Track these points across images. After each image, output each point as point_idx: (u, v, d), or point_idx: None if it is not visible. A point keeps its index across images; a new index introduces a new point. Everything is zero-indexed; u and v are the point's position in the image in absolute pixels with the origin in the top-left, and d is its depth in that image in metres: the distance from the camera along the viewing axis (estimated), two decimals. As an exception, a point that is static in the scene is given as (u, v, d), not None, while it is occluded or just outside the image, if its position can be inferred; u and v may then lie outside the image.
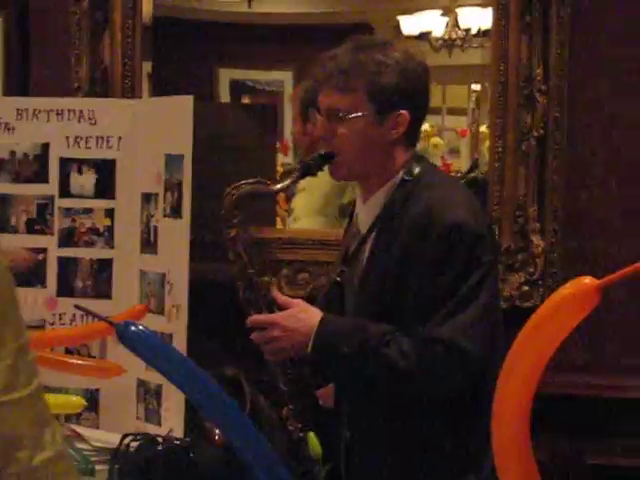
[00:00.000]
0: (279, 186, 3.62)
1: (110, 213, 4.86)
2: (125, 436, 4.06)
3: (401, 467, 3.28)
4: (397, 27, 5.51)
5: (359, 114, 3.44)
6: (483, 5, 5.04)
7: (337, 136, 3.48)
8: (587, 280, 1.92)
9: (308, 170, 3.53)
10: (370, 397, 3.38)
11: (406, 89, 3.47)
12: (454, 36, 5.77)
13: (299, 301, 3.50)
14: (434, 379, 3.22)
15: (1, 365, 2.50)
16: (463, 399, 3.17)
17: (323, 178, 5.34)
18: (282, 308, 3.49)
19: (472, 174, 5.91)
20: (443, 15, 5.44)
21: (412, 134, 3.55)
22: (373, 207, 3.54)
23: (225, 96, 6.13)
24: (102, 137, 4.75)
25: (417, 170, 3.52)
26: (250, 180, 3.72)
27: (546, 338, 1.96)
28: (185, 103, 4.58)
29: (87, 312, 3.03)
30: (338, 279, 3.65)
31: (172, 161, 4.56)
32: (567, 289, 1.96)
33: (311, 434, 2.36)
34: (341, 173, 3.63)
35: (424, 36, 5.46)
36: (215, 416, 2.39)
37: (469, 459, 3.12)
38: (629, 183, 4.76)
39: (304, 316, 3.40)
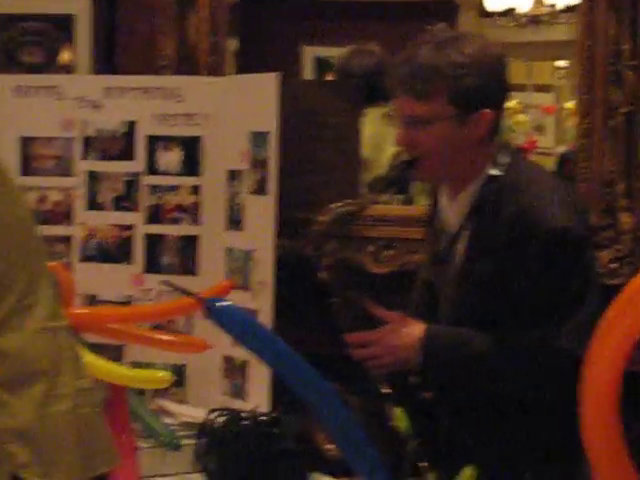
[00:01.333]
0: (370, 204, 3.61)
1: (195, 190, 4.91)
2: (211, 411, 4.10)
3: (502, 458, 3.28)
4: (480, 4, 5.49)
5: (441, 120, 3.40)
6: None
7: (420, 142, 3.43)
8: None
9: (396, 184, 3.53)
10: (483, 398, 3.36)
11: (486, 88, 3.42)
12: (540, 12, 5.74)
13: (398, 315, 3.43)
14: (549, 384, 3.22)
15: (47, 293, 2.73)
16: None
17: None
18: (379, 322, 3.45)
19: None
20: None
21: (495, 129, 3.51)
22: (461, 205, 3.50)
23: (309, 74, 6.13)
24: (188, 114, 4.79)
25: (504, 160, 3.49)
26: (339, 204, 3.72)
27: (636, 315, 1.94)
28: (271, 80, 4.60)
29: (176, 288, 3.05)
30: (430, 279, 3.61)
31: (258, 138, 4.58)
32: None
33: (398, 409, 2.36)
34: (427, 176, 3.65)
35: (509, 12, 5.43)
36: (303, 392, 2.41)
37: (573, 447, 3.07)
38: None
39: (405, 331, 3.35)
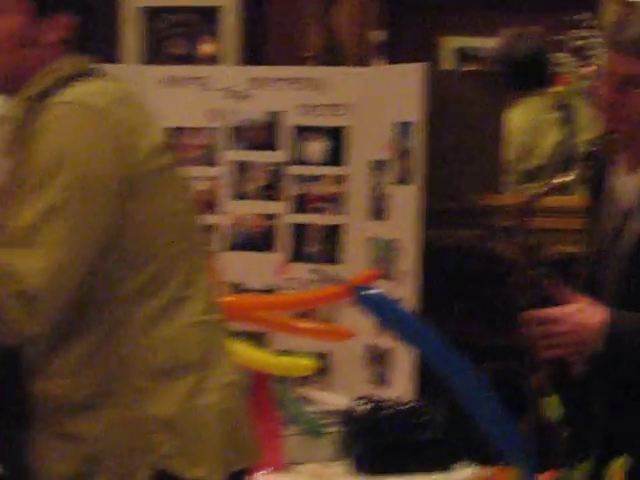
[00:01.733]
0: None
1: (339, 180, 4.92)
2: (356, 399, 4.13)
3: None
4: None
5: None
6: None
7: (629, 105, 3.24)
8: None
9: (596, 157, 3.48)
10: None
11: None
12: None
13: (582, 296, 3.20)
14: None
15: (203, 287, 2.85)
16: None
17: (519, 137, 5.35)
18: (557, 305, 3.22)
19: None
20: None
21: None
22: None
23: (449, 64, 6.14)
24: (333, 105, 4.80)
25: None
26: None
27: None
28: (417, 71, 4.60)
29: (326, 276, 3.10)
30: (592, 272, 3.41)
31: (402, 128, 4.59)
32: None
33: (553, 397, 2.35)
34: (622, 144, 3.38)
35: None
36: (451, 379, 2.42)
37: None
38: None
39: (592, 311, 3.15)
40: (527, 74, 5.06)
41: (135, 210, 2.69)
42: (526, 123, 5.16)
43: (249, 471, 2.97)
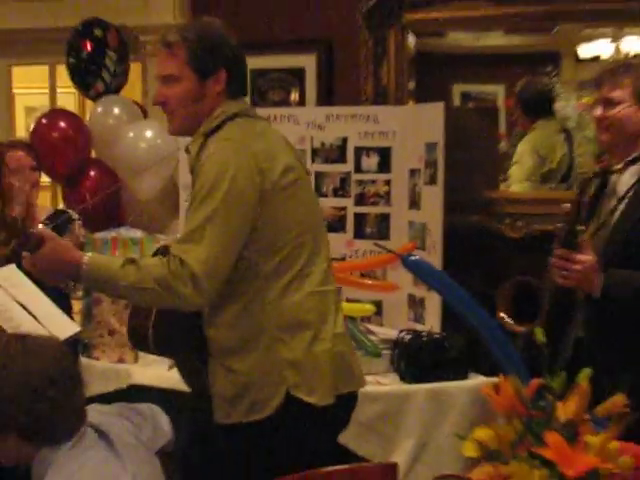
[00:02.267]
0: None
1: (388, 183, 4.95)
2: (401, 331, 4.13)
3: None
4: (576, 53, 5.40)
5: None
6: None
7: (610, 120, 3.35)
8: None
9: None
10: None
11: None
12: (618, 58, 5.60)
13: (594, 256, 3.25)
14: None
15: (322, 266, 2.93)
16: None
17: (531, 154, 5.30)
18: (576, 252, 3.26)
19: None
20: (612, 42, 5.28)
21: None
22: (632, 174, 3.35)
23: (457, 103, 6.13)
24: (383, 132, 4.85)
25: None
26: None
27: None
28: (439, 108, 4.60)
29: (383, 247, 3.09)
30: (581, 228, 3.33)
31: (429, 147, 4.60)
32: None
33: (538, 329, 2.32)
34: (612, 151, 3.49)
35: (596, 59, 5.32)
36: (468, 316, 2.40)
37: None
38: None
39: (596, 266, 3.20)
40: (540, 107, 4.99)
41: (270, 214, 2.80)
42: (542, 141, 5.12)
43: (355, 395, 3.05)
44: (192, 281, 2.66)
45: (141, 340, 2.98)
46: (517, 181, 5.31)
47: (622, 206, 3.35)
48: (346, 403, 2.98)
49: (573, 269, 3.24)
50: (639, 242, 3.26)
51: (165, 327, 2.90)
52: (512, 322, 3.16)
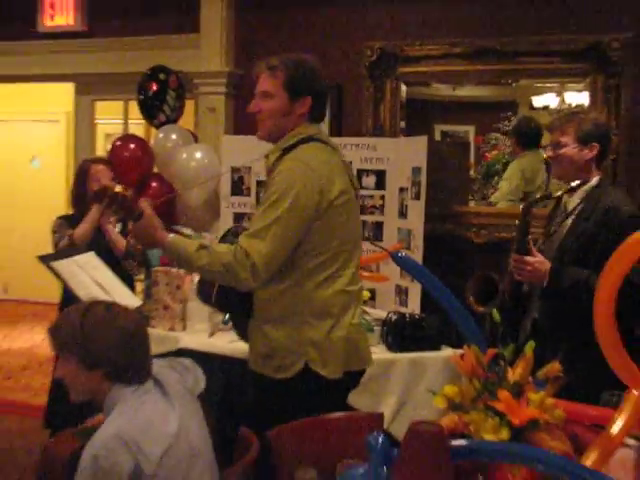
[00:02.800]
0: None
1: (382, 197, 4.93)
2: (389, 313, 4.12)
3: (571, 343, 3.16)
4: (530, 103, 5.40)
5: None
6: (579, 90, 4.90)
7: (560, 159, 3.44)
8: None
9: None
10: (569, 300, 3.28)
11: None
12: (562, 107, 5.59)
13: (543, 258, 3.35)
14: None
15: (351, 270, 2.95)
16: None
17: (518, 175, 5.26)
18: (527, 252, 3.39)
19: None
20: (557, 96, 5.28)
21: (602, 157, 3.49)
22: (577, 197, 3.42)
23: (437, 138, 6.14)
24: (379, 158, 4.83)
25: (601, 179, 3.44)
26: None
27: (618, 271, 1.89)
28: (423, 140, 4.60)
29: (378, 246, 3.10)
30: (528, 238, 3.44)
31: (415, 170, 4.60)
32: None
33: (494, 311, 2.33)
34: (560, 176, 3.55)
35: (545, 108, 5.33)
36: (442, 301, 2.39)
37: None
38: None
39: (543, 267, 3.28)
40: (531, 139, 4.98)
41: (321, 226, 2.82)
42: (528, 166, 5.10)
43: (362, 372, 3.08)
44: (252, 270, 2.71)
45: (207, 298, 3.07)
46: (501, 198, 5.30)
47: (569, 220, 3.41)
48: (353, 378, 3.01)
49: (525, 269, 3.34)
50: (581, 248, 3.29)
51: (224, 292, 2.95)
52: (476, 304, 3.18)
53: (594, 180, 3.42)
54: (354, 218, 3.02)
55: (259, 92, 2.95)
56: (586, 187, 3.41)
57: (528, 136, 5.29)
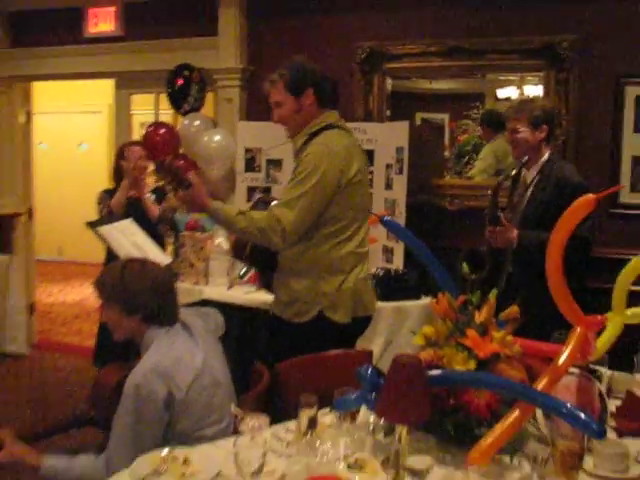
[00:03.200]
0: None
1: (371, 172, 4.77)
2: (377, 269, 4.13)
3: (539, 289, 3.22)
4: (495, 95, 5.36)
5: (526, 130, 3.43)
6: (536, 84, 4.86)
7: (518, 140, 3.46)
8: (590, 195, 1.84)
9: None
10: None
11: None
12: (522, 99, 5.53)
13: (511, 226, 3.39)
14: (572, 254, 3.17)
15: (361, 235, 2.99)
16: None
17: (491, 155, 5.17)
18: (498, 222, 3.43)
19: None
20: (517, 89, 5.24)
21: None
22: (533, 172, 3.46)
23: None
24: (369, 139, 4.72)
25: (551, 154, 3.48)
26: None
27: (566, 228, 1.89)
28: (405, 125, 4.57)
29: (369, 213, 3.10)
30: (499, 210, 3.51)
31: (399, 150, 4.56)
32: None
33: (465, 263, 2.34)
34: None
35: (507, 99, 5.29)
36: (421, 256, 2.39)
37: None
38: None
39: (512, 234, 3.34)
40: (499, 125, 4.94)
41: (340, 199, 2.87)
42: (499, 148, 5.02)
43: (369, 317, 3.14)
44: (282, 233, 2.79)
45: (239, 255, 3.17)
46: (478, 173, 5.25)
47: (529, 191, 3.46)
48: (360, 323, 3.06)
49: (497, 238, 3.39)
50: (540, 214, 3.32)
51: (255, 252, 3.02)
52: (468, 274, 3.20)
53: (545, 155, 3.45)
54: (366, 192, 3.09)
55: (273, 104, 3.01)
56: (540, 162, 3.43)
57: (495, 124, 5.26)
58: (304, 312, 2.92)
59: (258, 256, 3.05)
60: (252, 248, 3.02)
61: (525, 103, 3.61)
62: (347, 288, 2.92)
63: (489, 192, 3.52)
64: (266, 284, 3.33)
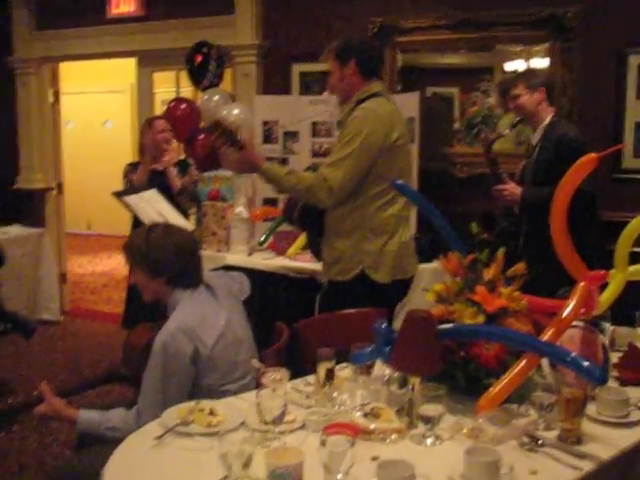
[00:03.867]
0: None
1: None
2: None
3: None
4: (503, 68, 5.30)
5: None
6: (542, 57, 4.80)
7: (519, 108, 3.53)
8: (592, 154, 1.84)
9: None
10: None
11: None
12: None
13: (514, 184, 3.49)
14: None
15: (403, 199, 2.97)
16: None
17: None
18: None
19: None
20: (524, 62, 5.17)
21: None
22: (538, 133, 3.49)
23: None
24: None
25: (554, 116, 3.50)
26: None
27: (569, 186, 1.89)
28: (416, 96, 4.55)
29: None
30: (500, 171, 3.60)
31: (410, 120, 4.50)
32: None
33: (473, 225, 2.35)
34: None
35: (515, 72, 5.22)
36: (433, 218, 2.39)
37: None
38: None
39: (516, 191, 3.43)
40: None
41: (383, 161, 2.89)
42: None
43: (409, 279, 3.14)
44: (329, 191, 2.84)
45: (289, 218, 3.26)
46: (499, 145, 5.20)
47: (535, 153, 3.49)
48: (399, 284, 3.07)
49: (503, 194, 3.47)
50: (544, 171, 3.36)
51: (304, 213, 3.08)
52: (478, 232, 3.23)
53: (548, 118, 3.49)
54: (407, 158, 3.12)
55: (329, 72, 3.08)
56: (543, 124, 3.48)
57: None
58: (347, 270, 2.97)
59: (306, 218, 3.12)
60: (301, 210, 3.08)
61: (521, 73, 3.71)
62: (389, 250, 2.96)
63: (482, 150, 3.70)
64: (315, 253, 3.36)
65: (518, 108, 3.56)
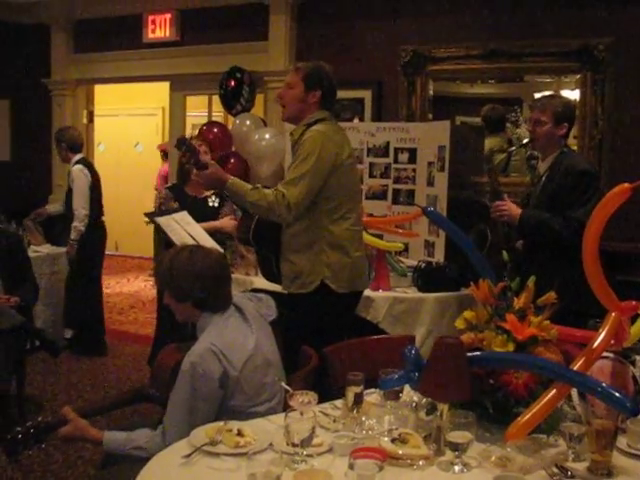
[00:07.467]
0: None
1: (414, 170, 4.90)
2: (419, 261, 4.14)
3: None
4: (533, 98, 5.31)
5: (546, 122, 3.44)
6: (572, 89, 4.83)
7: (537, 133, 3.48)
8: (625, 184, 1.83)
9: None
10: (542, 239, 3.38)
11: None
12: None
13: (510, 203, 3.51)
14: (568, 235, 3.20)
15: (356, 214, 3.09)
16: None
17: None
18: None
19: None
20: (554, 92, 5.19)
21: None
22: (546, 163, 3.49)
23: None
24: (411, 138, 4.81)
25: (564, 147, 3.48)
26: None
27: (604, 211, 1.88)
28: (446, 124, 4.57)
29: (416, 205, 3.16)
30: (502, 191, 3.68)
31: (441, 148, 4.56)
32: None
33: (505, 252, 2.35)
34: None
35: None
36: (462, 245, 2.40)
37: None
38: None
39: (514, 210, 3.45)
40: (495, 125, 4.91)
41: (335, 179, 3.03)
42: (488, 147, 5.00)
43: (362, 292, 3.29)
44: (287, 207, 2.98)
45: (245, 239, 3.39)
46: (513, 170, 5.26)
47: (542, 180, 3.50)
48: (355, 295, 3.25)
49: (502, 211, 3.51)
50: (548, 201, 3.39)
51: (259, 232, 3.22)
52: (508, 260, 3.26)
53: (558, 150, 3.47)
54: (355, 177, 3.33)
55: (285, 84, 3.22)
56: (552, 155, 3.48)
57: (493, 123, 5.27)
58: (308, 284, 3.12)
59: (260, 237, 3.25)
60: (255, 230, 3.22)
61: (552, 97, 3.66)
62: (346, 262, 3.11)
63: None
64: (267, 274, 3.44)
65: (537, 135, 3.52)
